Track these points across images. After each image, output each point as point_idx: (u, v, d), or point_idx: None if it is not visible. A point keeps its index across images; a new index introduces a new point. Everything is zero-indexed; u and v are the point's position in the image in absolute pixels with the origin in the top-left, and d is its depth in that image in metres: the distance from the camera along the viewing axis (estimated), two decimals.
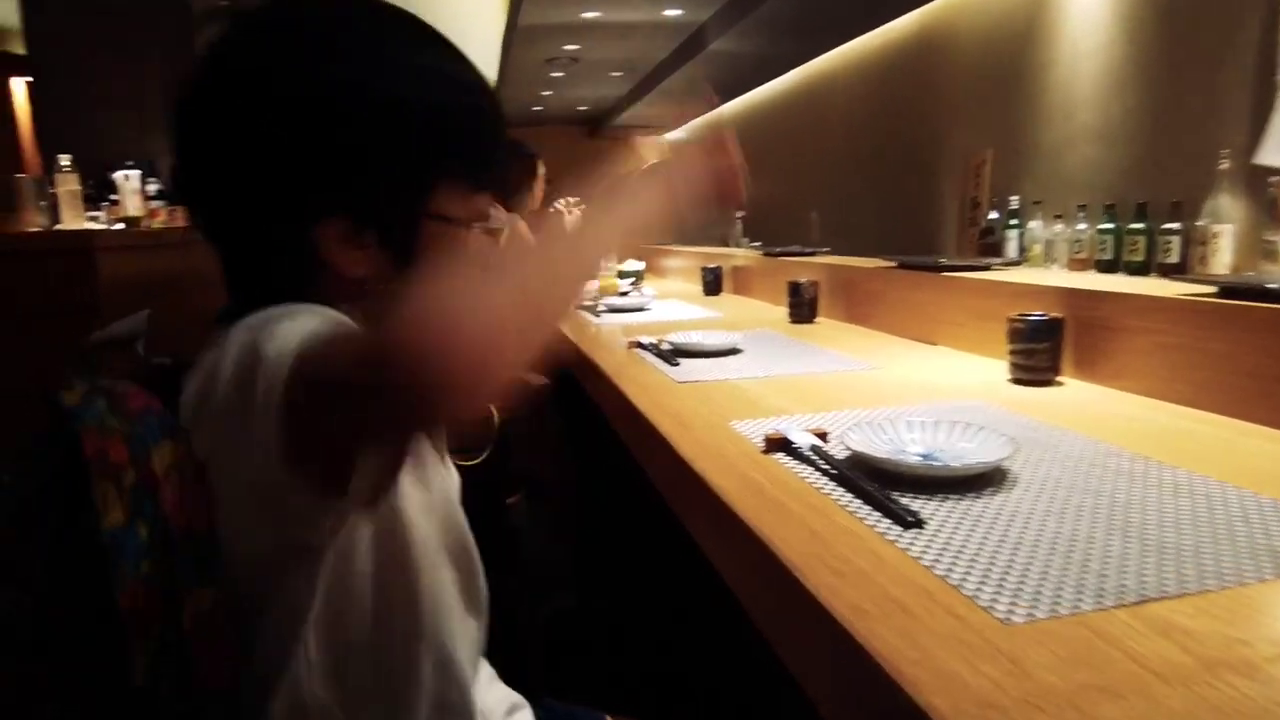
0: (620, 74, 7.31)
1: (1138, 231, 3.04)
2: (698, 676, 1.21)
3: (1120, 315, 1.17)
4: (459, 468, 0.77)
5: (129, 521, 0.54)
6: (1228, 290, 1.03)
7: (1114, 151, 3.45)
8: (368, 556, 0.63)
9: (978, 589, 0.57)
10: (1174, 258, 2.93)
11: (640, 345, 1.62)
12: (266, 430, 0.51)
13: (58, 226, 2.55)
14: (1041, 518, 0.70)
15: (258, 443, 0.52)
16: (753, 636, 0.70)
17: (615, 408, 1.30)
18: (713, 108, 0.81)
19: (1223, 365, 1.01)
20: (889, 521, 0.70)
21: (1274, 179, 2.70)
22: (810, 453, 0.86)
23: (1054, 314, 1.21)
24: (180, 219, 2.95)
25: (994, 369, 1.31)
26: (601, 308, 2.40)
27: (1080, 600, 0.55)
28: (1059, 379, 1.23)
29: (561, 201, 3.13)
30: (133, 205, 3.05)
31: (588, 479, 1.48)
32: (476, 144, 0.68)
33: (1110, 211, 3.16)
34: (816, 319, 1.97)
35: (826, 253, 2.50)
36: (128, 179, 3.07)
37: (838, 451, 0.87)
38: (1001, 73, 3.99)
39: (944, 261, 1.67)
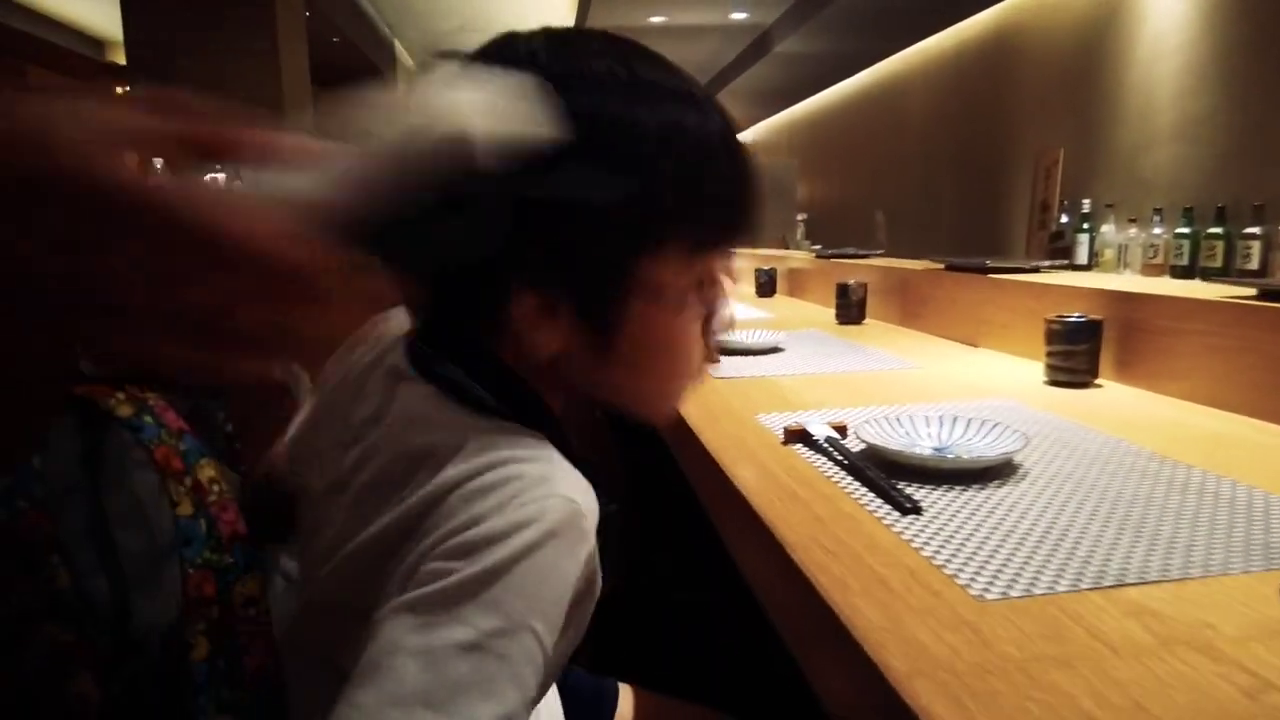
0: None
1: (1216, 236, 2.93)
2: (720, 656, 1.25)
3: (1158, 317, 1.16)
4: None
5: (195, 514, 0.60)
6: (1267, 292, 1.02)
7: (1193, 152, 3.34)
8: None
9: (959, 569, 0.60)
10: (1254, 264, 2.82)
11: None
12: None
13: None
14: (1041, 509, 0.72)
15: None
16: (765, 619, 0.74)
17: None
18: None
19: (1261, 368, 1.00)
20: (889, 508, 0.73)
21: None
22: (826, 444, 0.90)
23: (1093, 316, 1.21)
24: None
25: (1034, 370, 1.31)
26: None
27: (1057, 582, 0.57)
28: (1097, 381, 1.22)
29: None
30: None
31: (631, 467, 1.54)
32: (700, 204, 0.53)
33: (1188, 215, 3.05)
34: (865, 320, 1.98)
35: (880, 254, 2.49)
36: (215, 180, 3.26)
37: (854, 444, 0.90)
38: (1077, 72, 3.89)
39: (990, 263, 1.66)
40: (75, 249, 0.30)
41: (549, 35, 0.52)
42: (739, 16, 5.39)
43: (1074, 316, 1.20)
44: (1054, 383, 1.23)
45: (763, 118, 9.01)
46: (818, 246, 3.15)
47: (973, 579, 0.58)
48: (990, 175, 4.74)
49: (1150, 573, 0.59)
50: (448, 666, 0.40)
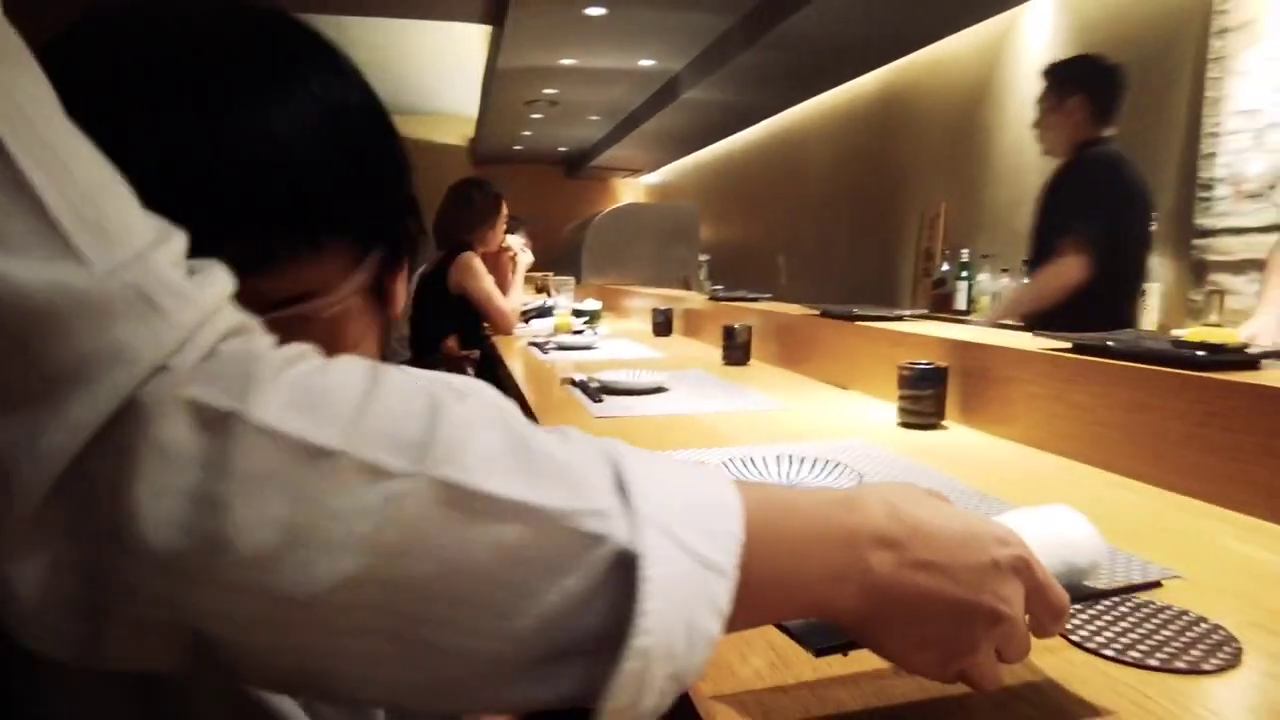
0: (598, 117, 7.50)
1: None
2: None
3: (995, 366, 1.27)
4: None
5: None
6: (1079, 347, 1.14)
7: None
8: None
9: None
10: None
11: (573, 382, 1.71)
12: None
13: None
14: None
15: None
16: None
17: None
18: None
19: (1068, 416, 1.12)
20: None
21: (1197, 242, 2.86)
22: None
23: (940, 363, 1.32)
24: None
25: (892, 412, 1.41)
26: (551, 345, 2.49)
27: None
28: (944, 423, 1.33)
29: (514, 239, 3.24)
30: None
31: None
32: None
33: None
34: (750, 362, 2.07)
35: (769, 298, 2.61)
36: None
37: None
38: (957, 132, 4.17)
39: (857, 311, 1.77)
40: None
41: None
42: (647, 63, 5.57)
43: (922, 363, 1.31)
44: (905, 424, 1.32)
45: (670, 160, 9.25)
46: (719, 287, 3.26)
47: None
48: (881, 225, 5.01)
49: None
50: None
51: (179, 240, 0.30)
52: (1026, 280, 2.54)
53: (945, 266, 3.98)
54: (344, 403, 0.29)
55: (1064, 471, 1.08)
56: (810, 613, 0.41)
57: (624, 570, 0.30)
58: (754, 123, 6.69)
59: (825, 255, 5.73)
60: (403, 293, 0.54)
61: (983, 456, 1.16)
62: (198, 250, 0.31)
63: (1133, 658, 0.55)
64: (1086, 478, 1.05)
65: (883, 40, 4.30)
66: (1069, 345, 1.17)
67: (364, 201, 0.49)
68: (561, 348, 2.48)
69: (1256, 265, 2.36)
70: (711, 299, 2.69)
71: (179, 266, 0.29)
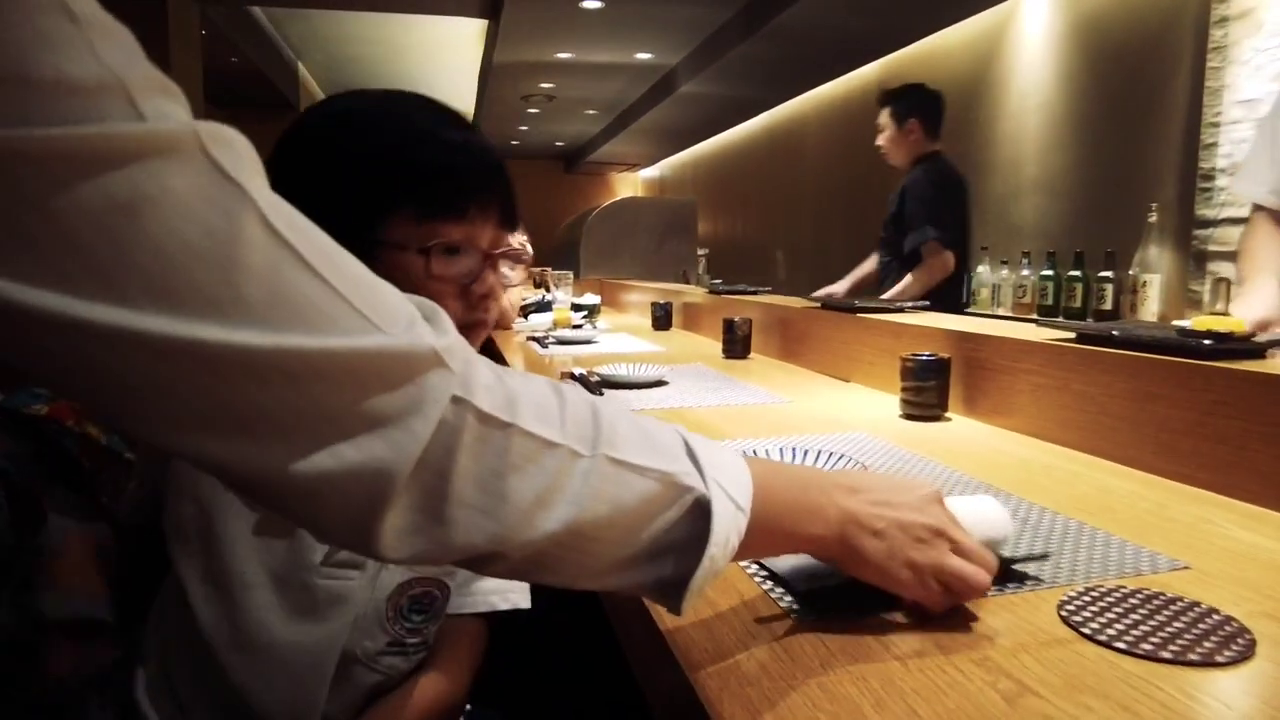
0: (595, 112, 7.48)
1: (1075, 279, 3.17)
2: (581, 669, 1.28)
3: (997, 356, 1.26)
4: None
5: None
6: (1083, 337, 1.13)
7: (1056, 202, 3.61)
8: None
9: (782, 594, 0.65)
10: (1108, 304, 3.06)
11: (572, 376, 1.70)
12: None
13: None
14: None
15: None
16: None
17: None
18: None
19: (1072, 405, 1.11)
20: None
21: (1198, 232, 2.85)
22: None
23: (942, 354, 1.31)
24: None
25: (894, 404, 1.40)
26: (550, 340, 2.48)
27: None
28: (947, 415, 1.32)
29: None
30: None
31: None
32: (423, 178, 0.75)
33: (1051, 259, 3.29)
34: (750, 355, 2.06)
35: (769, 291, 2.59)
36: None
37: None
38: (954, 122, 4.15)
39: (859, 304, 1.76)
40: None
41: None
42: (644, 57, 5.55)
43: (924, 355, 1.30)
44: (908, 416, 1.31)
45: (668, 154, 9.23)
46: (718, 281, 3.24)
47: (794, 603, 0.63)
48: (878, 217, 4.99)
49: None
50: None
51: (416, 302, 0.44)
52: (910, 277, 3.01)
53: None
54: (554, 410, 0.47)
55: (1068, 462, 1.07)
56: (797, 543, 0.58)
57: (700, 507, 0.50)
58: (751, 116, 6.67)
59: (822, 249, 5.72)
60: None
61: (986, 448, 1.15)
62: None
63: (1145, 650, 0.54)
64: (1091, 468, 1.04)
65: (879, 33, 4.28)
66: (1073, 335, 1.16)
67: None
68: (561, 342, 2.47)
69: None
70: (711, 292, 2.67)
71: (429, 322, 0.43)
